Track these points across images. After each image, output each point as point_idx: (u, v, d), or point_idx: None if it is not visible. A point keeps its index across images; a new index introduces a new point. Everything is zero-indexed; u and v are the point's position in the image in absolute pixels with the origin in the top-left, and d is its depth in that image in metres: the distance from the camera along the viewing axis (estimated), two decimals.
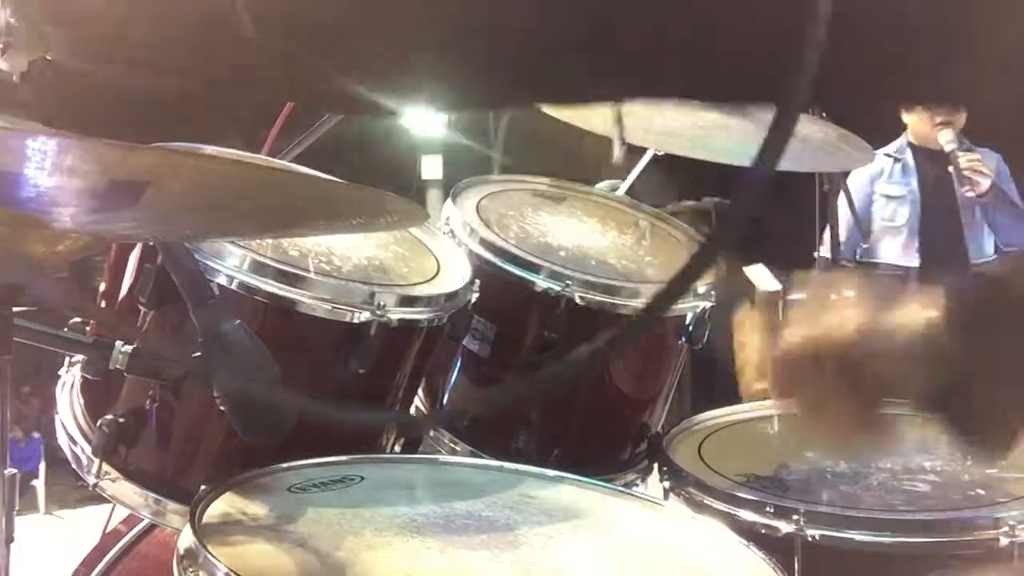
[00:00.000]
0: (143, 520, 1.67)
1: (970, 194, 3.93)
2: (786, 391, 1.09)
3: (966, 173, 3.90)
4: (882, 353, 1.05)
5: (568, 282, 1.75)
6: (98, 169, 0.81)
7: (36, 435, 6.28)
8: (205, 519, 1.26)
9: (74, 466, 1.54)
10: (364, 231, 1.64)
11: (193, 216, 1.04)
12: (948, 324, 1.02)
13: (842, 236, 3.93)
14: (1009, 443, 1.10)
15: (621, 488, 1.60)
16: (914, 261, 3.89)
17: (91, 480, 1.50)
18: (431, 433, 1.84)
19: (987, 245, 3.99)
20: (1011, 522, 1.53)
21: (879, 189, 4.10)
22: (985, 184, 3.90)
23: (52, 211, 0.86)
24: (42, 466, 6.06)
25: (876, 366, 1.05)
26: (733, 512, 1.64)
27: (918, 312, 1.05)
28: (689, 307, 1.85)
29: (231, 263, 1.45)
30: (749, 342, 1.18)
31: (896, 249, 3.95)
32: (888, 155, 4.09)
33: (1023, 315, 1.04)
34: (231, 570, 1.12)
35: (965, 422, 1.06)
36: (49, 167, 0.78)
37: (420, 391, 1.79)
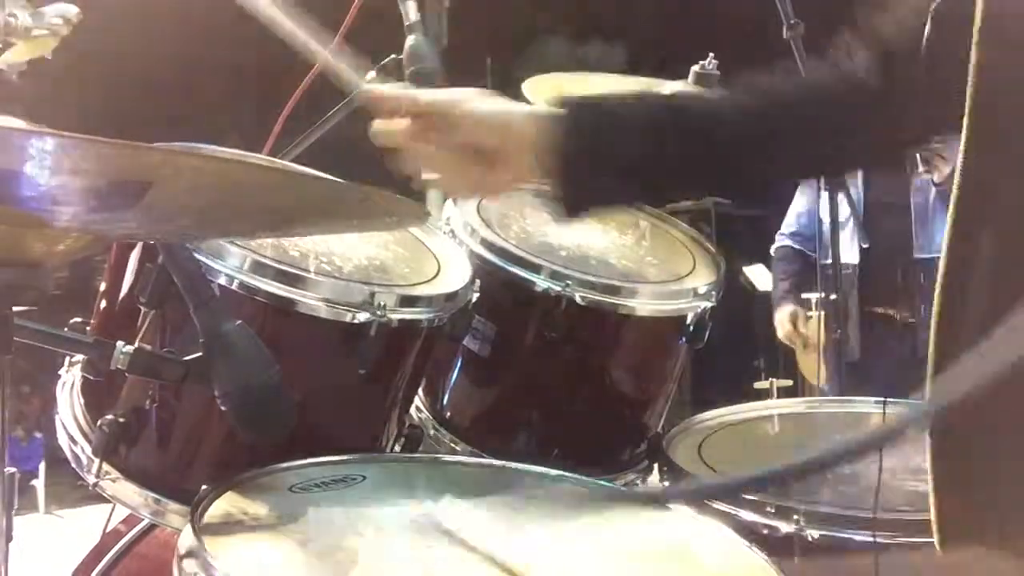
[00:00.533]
0: (143, 520, 1.67)
1: (928, 176, 3.72)
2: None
3: (926, 155, 3.69)
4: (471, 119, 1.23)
5: (568, 282, 1.75)
6: (99, 169, 0.81)
7: (38, 435, 6.29)
8: (206, 519, 1.26)
9: (74, 466, 1.54)
10: (365, 231, 1.64)
11: (193, 216, 1.04)
12: None
13: (793, 227, 3.88)
14: None
15: (621, 488, 1.60)
16: (855, 258, 3.75)
17: (91, 480, 1.50)
18: (431, 433, 1.84)
19: (940, 238, 3.67)
20: None
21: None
22: (946, 171, 3.74)
23: (53, 210, 0.86)
24: (42, 466, 6.06)
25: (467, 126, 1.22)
26: (733, 512, 1.64)
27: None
28: (689, 307, 1.85)
29: (231, 263, 1.45)
30: None
31: (844, 245, 3.81)
32: None
33: None
34: (232, 571, 1.12)
35: None
36: (50, 166, 0.78)
37: (420, 391, 1.79)
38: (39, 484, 6.06)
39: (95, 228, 0.93)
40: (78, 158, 0.78)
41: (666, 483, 1.83)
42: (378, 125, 1.26)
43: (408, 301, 1.55)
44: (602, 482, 1.59)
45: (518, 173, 1.25)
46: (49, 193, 0.82)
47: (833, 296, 3.16)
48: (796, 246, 3.92)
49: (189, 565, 1.16)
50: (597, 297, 1.77)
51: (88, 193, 0.83)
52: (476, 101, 1.25)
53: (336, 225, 1.33)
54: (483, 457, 1.74)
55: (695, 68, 2.01)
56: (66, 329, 1.55)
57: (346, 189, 1.13)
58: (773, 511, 1.61)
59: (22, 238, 0.97)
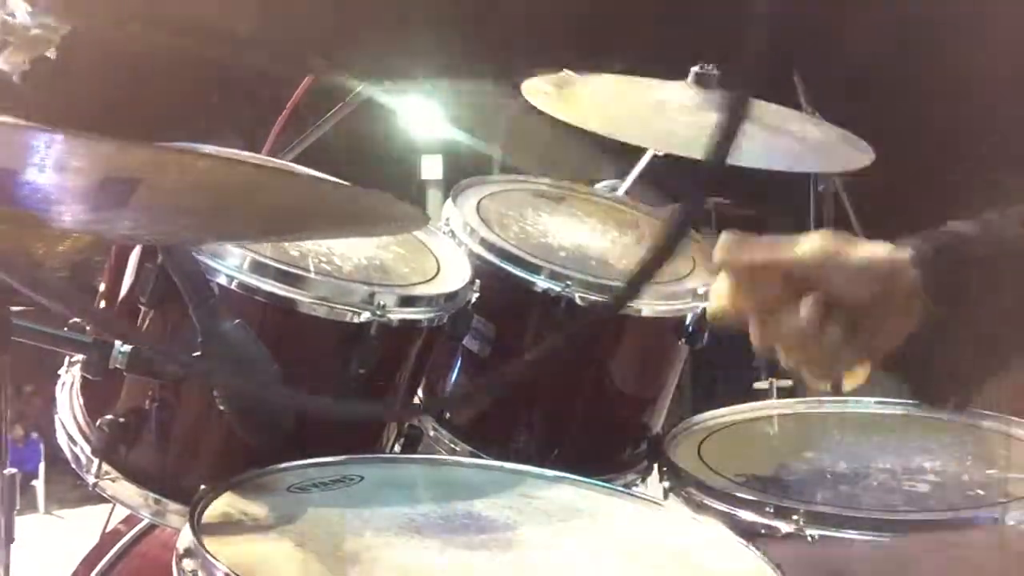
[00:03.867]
0: (143, 520, 1.67)
1: None
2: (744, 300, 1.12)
3: None
4: (844, 273, 1.10)
5: (568, 282, 1.75)
6: (84, 166, 0.80)
7: (35, 436, 6.27)
8: (205, 519, 1.26)
9: (74, 466, 1.54)
10: (365, 235, 1.64)
11: (191, 218, 1.03)
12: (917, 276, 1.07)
13: None
14: (967, 401, 1.13)
15: (621, 488, 1.60)
16: None
17: (91, 480, 1.50)
18: (431, 433, 1.84)
19: None
20: (1011, 522, 1.53)
21: None
22: None
23: (47, 209, 0.86)
24: (42, 466, 6.05)
25: (837, 282, 1.09)
26: (733, 512, 1.64)
27: (885, 249, 1.12)
28: (689, 307, 1.85)
29: (231, 263, 1.45)
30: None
31: None
32: None
33: (986, 274, 1.08)
34: (230, 570, 1.12)
35: (926, 380, 1.10)
36: (43, 164, 0.78)
37: (420, 391, 1.79)
38: (39, 484, 6.06)
39: (92, 228, 0.93)
40: (69, 155, 0.77)
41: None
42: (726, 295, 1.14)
43: (408, 301, 1.55)
44: (602, 482, 1.59)
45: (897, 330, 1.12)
46: (44, 191, 0.82)
47: None
48: None
49: (188, 564, 1.16)
50: (597, 297, 1.77)
51: (77, 191, 0.83)
52: (842, 248, 1.11)
53: (336, 228, 1.32)
54: (483, 457, 1.74)
55: (695, 68, 2.01)
56: (66, 329, 1.55)
57: (345, 191, 1.13)
58: (772, 511, 1.61)
59: (23, 239, 0.97)
